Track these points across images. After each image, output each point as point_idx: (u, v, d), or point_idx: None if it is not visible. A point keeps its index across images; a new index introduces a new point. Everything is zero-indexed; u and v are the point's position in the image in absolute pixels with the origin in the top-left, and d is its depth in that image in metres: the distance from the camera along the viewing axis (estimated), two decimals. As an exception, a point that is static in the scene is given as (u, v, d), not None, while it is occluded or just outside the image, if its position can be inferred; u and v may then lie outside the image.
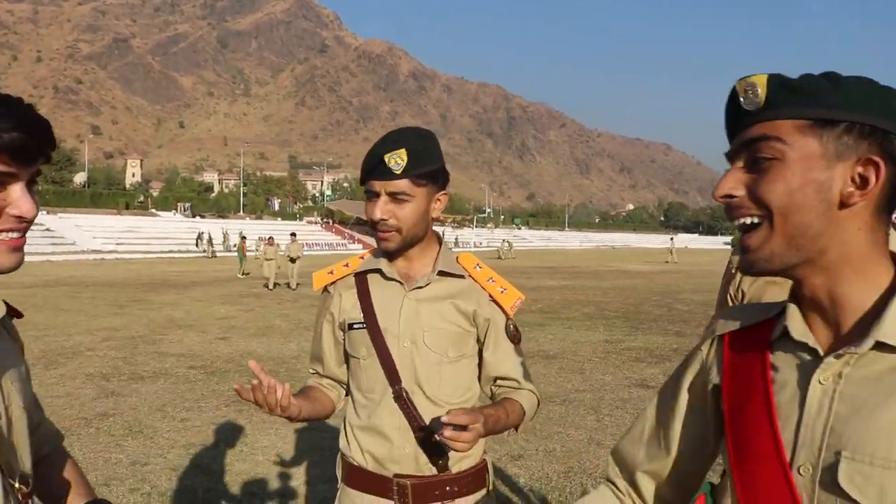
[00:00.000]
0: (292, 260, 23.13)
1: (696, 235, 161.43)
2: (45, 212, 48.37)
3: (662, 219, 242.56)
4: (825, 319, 1.03)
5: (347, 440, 2.09)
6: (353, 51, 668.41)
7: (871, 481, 0.91)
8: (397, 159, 1.88)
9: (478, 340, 2.08)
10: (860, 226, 0.97)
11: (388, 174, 1.89)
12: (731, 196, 1.02)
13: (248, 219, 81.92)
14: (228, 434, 6.38)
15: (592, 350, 11.24)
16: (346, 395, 2.21)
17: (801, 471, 0.98)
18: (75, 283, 23.62)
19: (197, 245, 52.33)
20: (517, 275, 29.02)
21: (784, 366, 1.06)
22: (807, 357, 1.03)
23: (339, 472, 2.15)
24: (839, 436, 0.95)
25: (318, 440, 6.07)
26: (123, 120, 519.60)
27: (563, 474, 5.46)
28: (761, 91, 1.00)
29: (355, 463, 2.05)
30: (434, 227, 2.11)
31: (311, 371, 2.24)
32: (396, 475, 1.98)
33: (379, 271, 2.07)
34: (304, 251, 25.09)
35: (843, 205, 0.96)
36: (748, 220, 1.01)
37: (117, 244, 50.58)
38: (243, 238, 32.01)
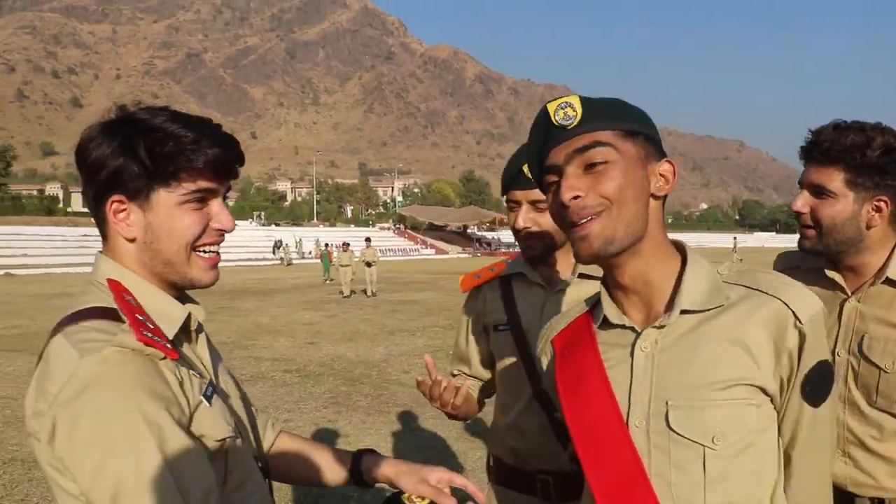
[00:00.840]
0: (368, 265, 23.17)
1: (772, 234, 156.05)
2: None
3: (737, 217, 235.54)
4: (639, 300, 1.24)
5: (493, 438, 2.19)
6: (418, 57, 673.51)
7: (693, 419, 1.15)
8: None
9: None
10: (657, 217, 1.21)
11: (528, 183, 1.97)
12: (577, 196, 1.14)
13: (321, 226, 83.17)
14: (331, 434, 6.57)
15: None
16: (488, 395, 2.32)
17: (636, 424, 1.19)
18: (163, 292, 24.25)
19: (274, 253, 53.40)
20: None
21: (611, 345, 1.27)
22: (628, 333, 1.25)
23: (487, 471, 2.26)
24: (664, 389, 1.18)
25: (420, 440, 6.16)
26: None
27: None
28: (578, 108, 1.17)
29: (501, 460, 2.15)
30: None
31: (454, 372, 2.35)
32: (539, 471, 2.06)
33: (522, 275, 2.15)
34: (378, 256, 25.27)
35: (654, 196, 1.19)
36: (593, 217, 1.15)
37: (198, 253, 51.91)
38: (326, 245, 32.65)
